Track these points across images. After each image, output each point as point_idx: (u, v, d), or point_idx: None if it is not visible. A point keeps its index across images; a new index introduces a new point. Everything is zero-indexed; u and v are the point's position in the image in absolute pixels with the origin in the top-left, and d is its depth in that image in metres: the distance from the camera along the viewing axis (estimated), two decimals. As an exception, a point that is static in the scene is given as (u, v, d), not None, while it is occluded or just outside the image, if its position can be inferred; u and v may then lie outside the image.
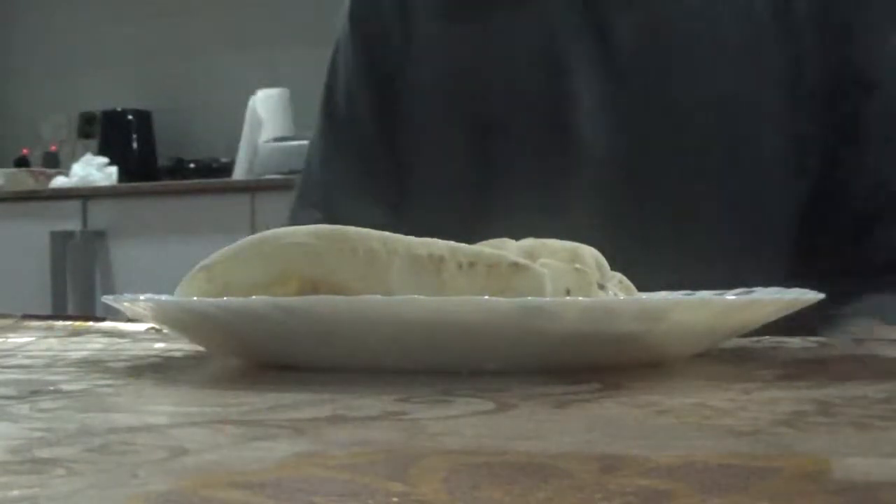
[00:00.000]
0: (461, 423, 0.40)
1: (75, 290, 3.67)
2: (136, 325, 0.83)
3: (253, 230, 3.04)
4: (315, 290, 0.53)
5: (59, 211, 3.70)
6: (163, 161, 4.04)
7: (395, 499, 0.28)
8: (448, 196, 1.01)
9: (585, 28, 0.97)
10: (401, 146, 1.05)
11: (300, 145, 2.76)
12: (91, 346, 0.72)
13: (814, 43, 0.96)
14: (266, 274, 0.56)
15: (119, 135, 4.06)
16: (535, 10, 0.98)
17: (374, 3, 1.08)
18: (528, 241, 0.62)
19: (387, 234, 0.54)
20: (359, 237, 0.54)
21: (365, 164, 1.07)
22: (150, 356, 0.65)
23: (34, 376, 0.56)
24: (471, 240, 0.56)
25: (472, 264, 0.53)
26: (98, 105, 4.13)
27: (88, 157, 3.90)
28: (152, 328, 0.80)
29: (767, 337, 0.68)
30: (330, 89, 1.11)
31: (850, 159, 0.96)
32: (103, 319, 0.91)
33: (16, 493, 0.29)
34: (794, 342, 0.67)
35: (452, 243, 0.54)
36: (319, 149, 1.11)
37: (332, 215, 0.99)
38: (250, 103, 3.82)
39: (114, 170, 3.85)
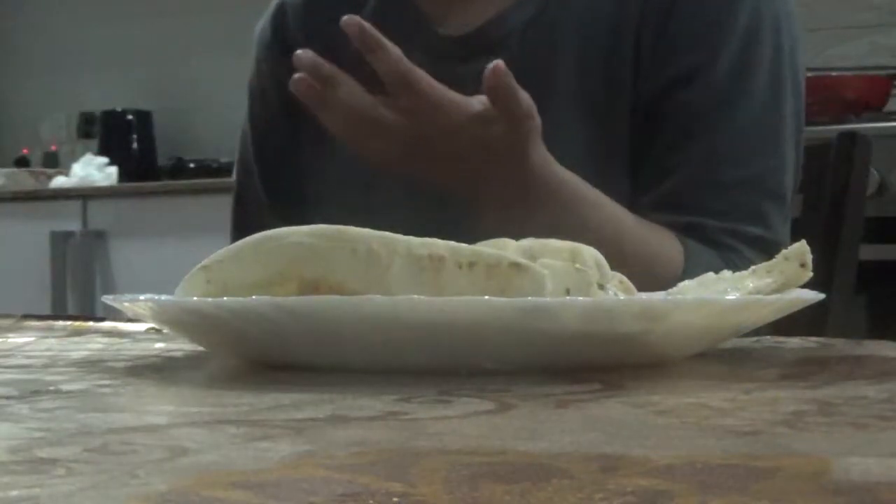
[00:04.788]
0: (461, 423, 0.40)
1: (75, 290, 3.66)
2: (136, 325, 0.83)
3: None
4: (315, 290, 0.53)
5: (59, 211, 3.69)
6: (163, 161, 4.04)
7: (395, 499, 0.28)
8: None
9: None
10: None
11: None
12: (91, 346, 0.72)
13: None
14: (266, 274, 0.56)
15: (119, 135, 4.05)
16: None
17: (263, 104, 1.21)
18: (528, 241, 0.62)
19: (387, 234, 0.54)
20: (359, 237, 0.54)
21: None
22: (150, 356, 0.65)
23: (34, 376, 0.56)
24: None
25: (472, 264, 0.53)
26: (98, 105, 4.12)
27: (88, 157, 3.89)
28: (152, 328, 0.80)
29: (767, 337, 0.68)
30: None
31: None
32: (103, 319, 0.91)
33: (16, 493, 0.29)
34: (794, 342, 0.67)
35: (452, 243, 0.54)
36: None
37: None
38: (250, 103, 3.81)
39: (114, 170, 3.84)
